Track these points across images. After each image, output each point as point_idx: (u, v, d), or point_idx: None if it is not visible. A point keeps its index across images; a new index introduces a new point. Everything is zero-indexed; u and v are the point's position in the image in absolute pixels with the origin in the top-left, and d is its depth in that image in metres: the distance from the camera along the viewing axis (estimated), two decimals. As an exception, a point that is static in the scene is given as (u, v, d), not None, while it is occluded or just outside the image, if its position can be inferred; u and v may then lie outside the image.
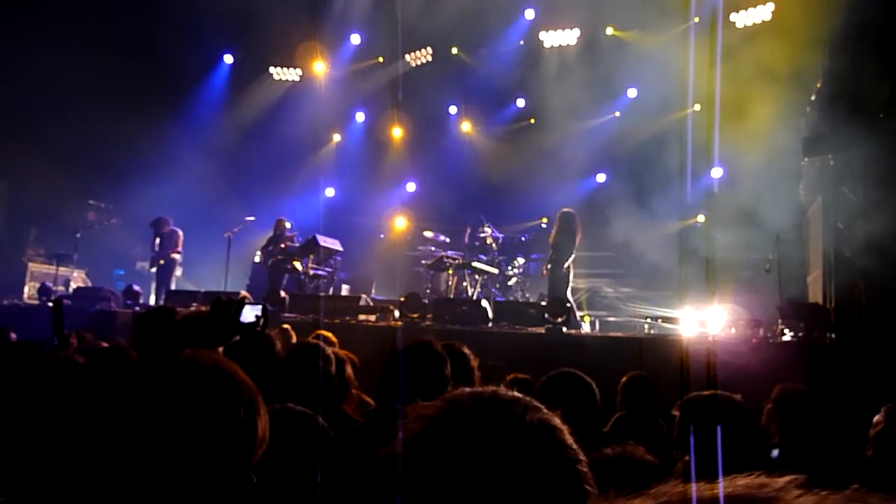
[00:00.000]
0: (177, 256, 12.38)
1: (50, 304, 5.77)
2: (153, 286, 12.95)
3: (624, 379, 4.26)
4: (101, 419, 1.16)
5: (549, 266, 10.29)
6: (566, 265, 10.14)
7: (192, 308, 8.11)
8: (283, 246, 11.86)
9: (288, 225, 12.39)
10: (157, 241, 12.40)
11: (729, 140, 11.95)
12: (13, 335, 6.12)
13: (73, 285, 12.75)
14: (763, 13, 12.81)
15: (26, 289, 12.92)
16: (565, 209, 10.49)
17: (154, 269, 12.55)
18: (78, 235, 13.13)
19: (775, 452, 3.03)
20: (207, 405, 1.16)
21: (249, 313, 2.43)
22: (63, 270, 13.09)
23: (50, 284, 12.28)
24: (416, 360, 2.82)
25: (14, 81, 12.45)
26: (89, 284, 12.91)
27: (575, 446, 0.89)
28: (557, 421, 0.90)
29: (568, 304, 9.19)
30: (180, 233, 12.39)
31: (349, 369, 4.00)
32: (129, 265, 14.80)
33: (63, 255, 13.16)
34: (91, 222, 13.89)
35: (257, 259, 12.03)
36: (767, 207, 10.31)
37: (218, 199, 14.20)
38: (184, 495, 1.10)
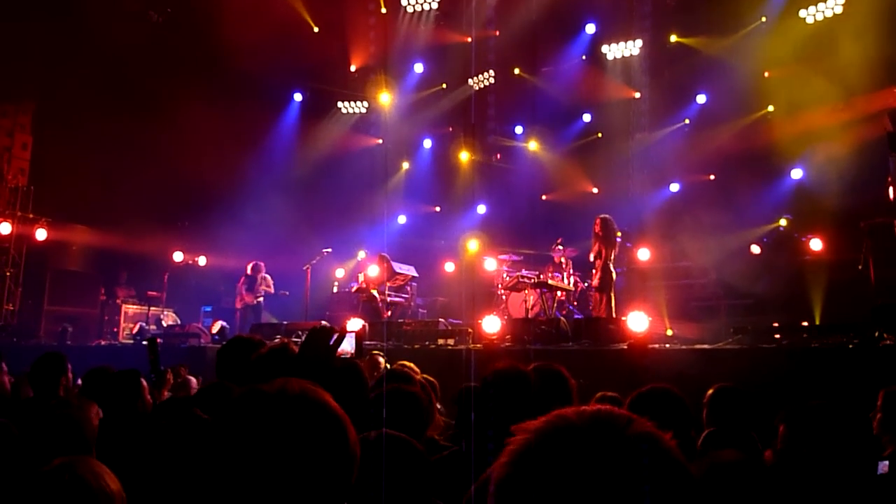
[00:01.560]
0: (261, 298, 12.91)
1: (145, 342, 6.04)
2: (238, 322, 13.38)
3: (710, 391, 4.03)
4: (200, 457, 1.19)
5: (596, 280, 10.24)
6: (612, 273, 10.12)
7: (277, 340, 8.33)
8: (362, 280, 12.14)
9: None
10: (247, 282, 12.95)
11: (808, 139, 11.54)
12: (113, 374, 6.41)
13: (164, 324, 13.27)
14: (834, 6, 12.35)
15: (121, 330, 13.53)
16: (603, 216, 10.44)
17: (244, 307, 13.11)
18: (166, 276, 13.69)
19: (884, 465, 2.88)
20: (306, 435, 1.19)
21: (344, 344, 2.46)
22: (154, 310, 13.65)
23: (144, 324, 12.84)
24: (502, 385, 2.81)
25: (100, 134, 13.15)
26: (179, 322, 13.41)
27: (682, 458, 0.89)
28: (662, 435, 0.91)
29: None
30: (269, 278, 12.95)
31: (433, 395, 4.03)
32: (215, 302, 15.31)
33: (153, 296, 13.73)
34: (177, 263, 14.46)
35: (335, 289, 12.29)
36: (854, 206, 9.87)
37: (295, 233, 14.58)
38: None
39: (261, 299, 12.68)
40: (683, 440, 2.91)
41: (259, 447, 1.14)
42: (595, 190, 15.17)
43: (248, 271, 13.12)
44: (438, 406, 4.25)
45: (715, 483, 1.13)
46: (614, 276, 10.07)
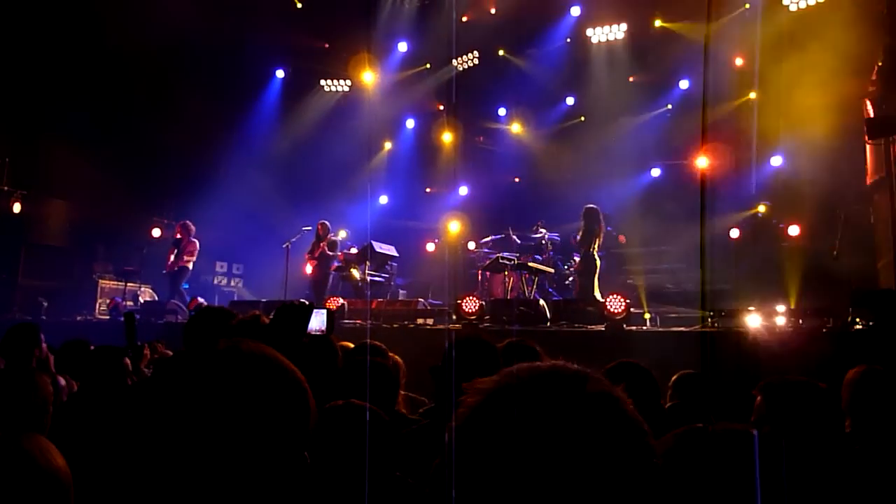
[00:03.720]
0: (189, 264, 12.48)
1: (122, 318, 5.97)
2: (217, 297, 13.26)
3: (675, 377, 4.16)
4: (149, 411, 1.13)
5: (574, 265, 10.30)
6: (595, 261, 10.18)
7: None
8: (328, 251, 11.95)
9: (331, 226, 12.40)
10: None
11: (788, 126, 11.59)
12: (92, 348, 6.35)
13: (140, 300, 13.13)
14: (818, -5, 12.37)
15: (97, 305, 13.37)
16: (589, 206, 10.48)
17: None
18: (144, 252, 13.52)
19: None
20: (258, 385, 1.15)
21: (315, 320, 2.44)
22: (131, 286, 13.50)
23: (120, 299, 12.69)
24: (468, 354, 2.80)
25: (82, 102, 12.93)
26: (156, 298, 13.29)
27: (639, 416, 0.88)
28: (620, 392, 0.90)
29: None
30: (197, 243, 12.56)
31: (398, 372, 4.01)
32: (194, 279, 15.17)
33: (130, 271, 13.57)
34: (155, 238, 14.29)
35: (308, 270, 12.15)
36: (832, 193, 9.94)
37: (275, 211, 14.47)
38: (239, 475, 1.09)
39: (186, 265, 12.41)
40: (650, 411, 2.92)
41: (203, 401, 1.11)
42: (572, 175, 15.17)
43: (177, 233, 12.60)
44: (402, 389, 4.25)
45: (686, 449, 1.10)
46: (598, 263, 10.07)
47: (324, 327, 2.54)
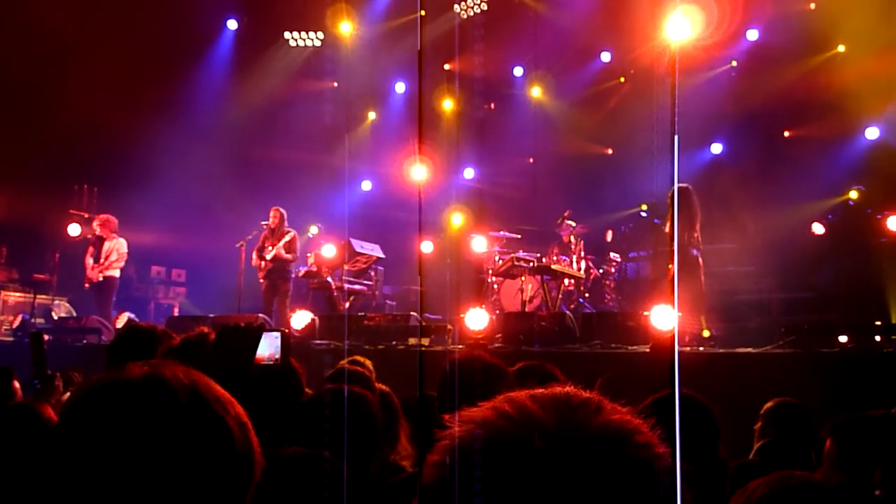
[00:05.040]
0: (115, 272, 12.39)
1: (28, 339, 5.94)
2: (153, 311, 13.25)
3: (769, 405, 4.34)
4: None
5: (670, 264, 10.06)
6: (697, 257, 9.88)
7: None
8: (284, 252, 11.86)
9: (277, 214, 12.24)
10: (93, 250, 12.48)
11: (891, 89, 11.56)
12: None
13: (54, 316, 13.12)
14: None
15: (-1, 322, 13.38)
16: (680, 185, 10.25)
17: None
18: (58, 255, 13.51)
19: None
20: (182, 426, 1.15)
21: (265, 344, 2.42)
22: (42, 299, 13.49)
23: (27, 316, 12.68)
24: (471, 382, 2.81)
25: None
26: (74, 314, 13.27)
27: (659, 452, 0.92)
28: (638, 424, 0.93)
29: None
30: (124, 242, 12.47)
31: (396, 407, 3.98)
32: (123, 289, 15.18)
33: (41, 280, 13.56)
34: (73, 238, 14.27)
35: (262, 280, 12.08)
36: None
37: (226, 201, 14.49)
38: None
39: (113, 273, 12.36)
40: (708, 461, 2.89)
41: (109, 449, 1.11)
42: (609, 151, 15.15)
43: (97, 230, 12.50)
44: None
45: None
46: (700, 262, 9.89)
47: (278, 354, 2.50)
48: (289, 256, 11.92)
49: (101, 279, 12.24)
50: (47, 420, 2.86)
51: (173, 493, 1.11)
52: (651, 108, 13.80)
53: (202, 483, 1.13)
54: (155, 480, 1.10)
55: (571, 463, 0.87)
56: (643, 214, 13.41)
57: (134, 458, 1.10)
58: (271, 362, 2.47)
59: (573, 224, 12.45)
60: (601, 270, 12.67)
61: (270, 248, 11.89)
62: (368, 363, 4.88)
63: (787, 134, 13.99)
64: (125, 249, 12.42)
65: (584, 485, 0.87)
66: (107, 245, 12.31)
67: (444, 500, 0.90)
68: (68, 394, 5.81)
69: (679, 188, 9.96)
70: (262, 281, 12.08)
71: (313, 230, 14.45)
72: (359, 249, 12.03)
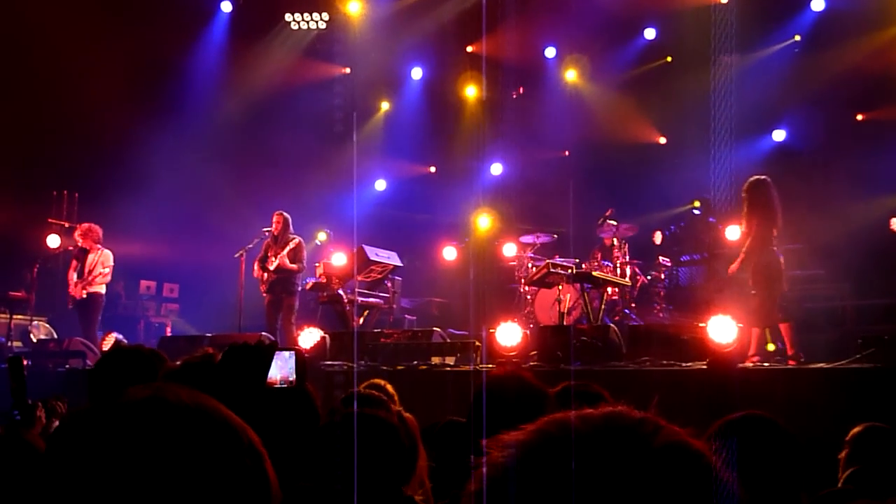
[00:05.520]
0: (101, 288, 12.40)
1: (4, 364, 5.99)
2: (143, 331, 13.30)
3: (857, 430, 4.34)
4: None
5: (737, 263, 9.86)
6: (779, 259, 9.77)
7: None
8: (289, 262, 11.83)
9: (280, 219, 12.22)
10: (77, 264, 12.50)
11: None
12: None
13: (33, 338, 13.20)
14: None
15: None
16: (756, 177, 10.14)
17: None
18: (35, 270, 13.62)
19: None
20: (192, 454, 1.13)
21: (277, 365, 2.44)
22: (19, 319, 13.58)
23: (3, 339, 12.77)
24: (506, 406, 2.80)
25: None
26: (55, 336, 13.35)
27: (726, 478, 0.93)
28: (701, 447, 0.94)
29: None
30: (109, 254, 12.50)
31: (415, 435, 3.97)
32: (110, 307, 15.28)
33: (17, 298, 13.65)
34: (53, 250, 14.37)
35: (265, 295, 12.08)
36: None
37: (224, 207, 14.54)
38: None
39: (99, 289, 12.38)
40: (790, 491, 2.86)
41: (107, 484, 1.10)
42: (662, 140, 15.08)
43: (79, 241, 12.47)
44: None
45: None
46: (780, 260, 9.79)
47: (292, 376, 2.53)
48: (294, 267, 11.91)
49: (84, 296, 12.28)
50: (36, 448, 2.88)
51: None
52: (703, 90, 13.74)
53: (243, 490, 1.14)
54: None
55: (630, 492, 0.87)
56: (696, 212, 13.33)
57: (131, 494, 1.09)
58: (285, 385, 2.48)
59: (616, 224, 12.38)
60: (649, 277, 12.60)
61: (273, 257, 11.90)
62: (389, 387, 4.88)
63: (859, 117, 13.85)
64: (111, 262, 12.45)
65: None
66: (90, 258, 12.34)
67: None
68: (55, 424, 5.86)
69: (755, 181, 9.90)
70: (264, 295, 12.09)
71: (321, 237, 14.52)
72: (373, 258, 11.99)
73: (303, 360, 2.51)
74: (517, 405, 2.93)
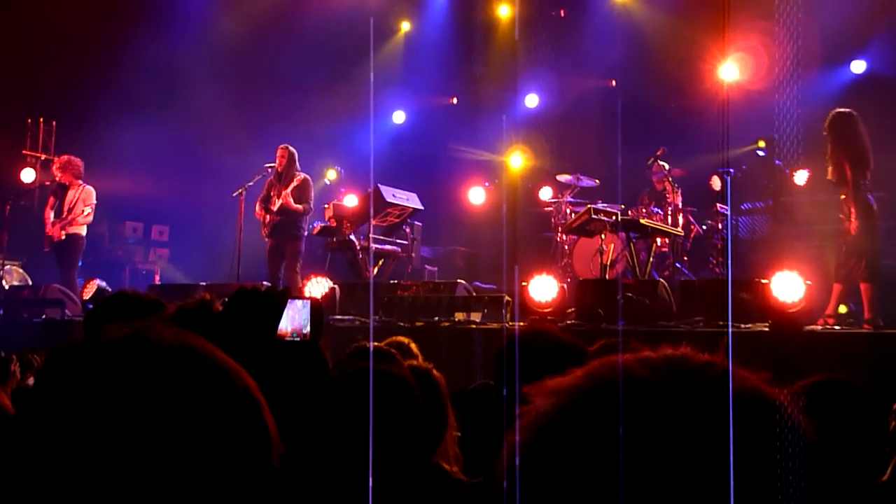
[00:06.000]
0: (82, 229, 12.39)
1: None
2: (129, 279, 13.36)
3: None
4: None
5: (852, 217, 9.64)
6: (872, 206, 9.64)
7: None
8: (293, 201, 11.77)
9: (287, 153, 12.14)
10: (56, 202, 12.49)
11: None
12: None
13: (4, 284, 13.29)
14: None
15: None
16: (837, 111, 9.99)
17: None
18: (8, 208, 13.68)
19: None
20: (179, 400, 1.14)
21: (288, 316, 2.44)
22: (-11, 263, 13.69)
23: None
24: (537, 365, 2.76)
25: None
26: (29, 282, 13.44)
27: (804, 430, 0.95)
28: (776, 395, 0.98)
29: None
30: (92, 191, 12.52)
31: (443, 395, 3.97)
32: (91, 251, 15.37)
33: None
34: (27, 186, 14.43)
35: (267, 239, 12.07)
36: None
37: (222, 139, 14.53)
38: None
39: (79, 230, 12.37)
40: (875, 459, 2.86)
41: (87, 433, 1.12)
42: (723, 69, 14.89)
43: (57, 176, 12.54)
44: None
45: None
46: (874, 208, 9.68)
47: (306, 329, 2.52)
48: (299, 207, 11.88)
49: (63, 238, 12.32)
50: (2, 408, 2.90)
51: (166, 482, 1.10)
52: (771, 11, 13.56)
53: (201, 469, 1.13)
54: (142, 467, 1.09)
55: (696, 443, 0.89)
56: (760, 153, 13.18)
57: (112, 444, 1.10)
58: (297, 338, 2.47)
59: (668, 166, 12.29)
60: (704, 227, 12.52)
61: (276, 197, 11.89)
62: (413, 346, 4.89)
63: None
64: (93, 199, 12.48)
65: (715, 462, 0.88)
66: (70, 194, 12.37)
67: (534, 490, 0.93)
68: (30, 380, 5.91)
69: (838, 115, 9.77)
70: (266, 240, 12.11)
71: (331, 175, 14.52)
72: (390, 199, 11.97)
73: (319, 311, 2.50)
74: (549, 365, 2.89)
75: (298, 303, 2.47)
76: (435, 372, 3.96)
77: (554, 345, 3.07)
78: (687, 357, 0.99)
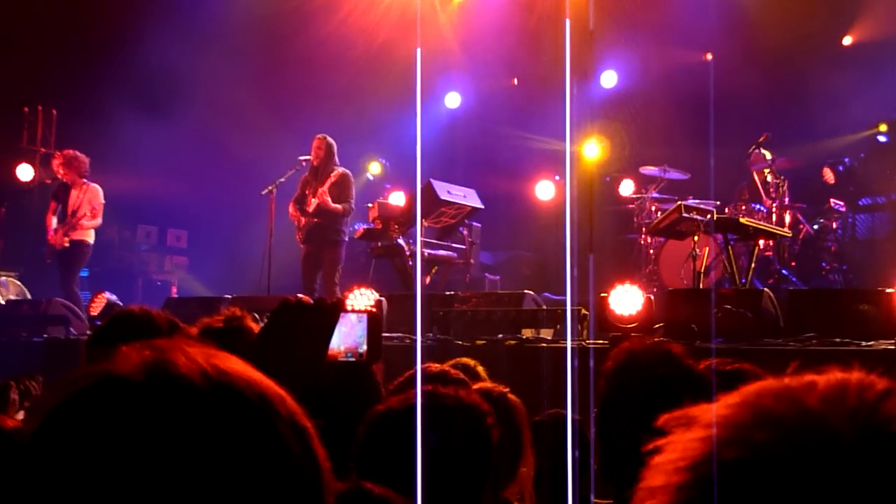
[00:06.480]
0: (89, 234, 12.55)
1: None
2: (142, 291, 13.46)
3: None
4: None
5: None
6: None
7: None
8: (330, 200, 11.78)
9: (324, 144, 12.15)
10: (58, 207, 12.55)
11: None
12: None
13: (1, 300, 13.45)
14: None
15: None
16: None
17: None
18: (3, 210, 13.88)
19: None
20: (223, 449, 1.12)
21: (340, 332, 2.42)
22: (-18, 275, 13.87)
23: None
24: (647, 392, 2.88)
25: None
26: (28, 296, 13.59)
27: None
28: None
29: None
30: (98, 190, 12.58)
31: (521, 421, 4.02)
32: (99, 260, 15.55)
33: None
34: (25, 184, 14.61)
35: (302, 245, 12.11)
36: None
37: (248, 131, 14.64)
38: None
39: (85, 237, 12.43)
40: None
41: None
42: (845, 41, 14.75)
43: (59, 174, 12.63)
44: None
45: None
46: None
47: (362, 347, 2.52)
48: (339, 208, 11.92)
49: (67, 245, 12.42)
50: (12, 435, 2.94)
51: None
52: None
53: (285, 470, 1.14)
54: None
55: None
56: (882, 139, 13.06)
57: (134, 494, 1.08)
58: (352, 359, 2.46)
59: (771, 156, 12.19)
60: (816, 226, 12.41)
61: (312, 196, 11.93)
62: (480, 369, 4.92)
63: None
64: (101, 199, 12.55)
65: None
66: (74, 195, 12.44)
67: None
68: (23, 410, 5.99)
69: None
70: (300, 245, 12.17)
71: (375, 169, 14.54)
72: (444, 197, 11.90)
73: (378, 327, 2.48)
74: (663, 391, 2.96)
75: (353, 317, 2.45)
76: (511, 396, 4.01)
77: (671, 367, 3.11)
78: (857, 382, 0.96)
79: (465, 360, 5.04)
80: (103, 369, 1.16)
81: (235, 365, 1.20)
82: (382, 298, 10.26)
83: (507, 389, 4.07)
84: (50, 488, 1.09)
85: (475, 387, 3.97)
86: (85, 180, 12.53)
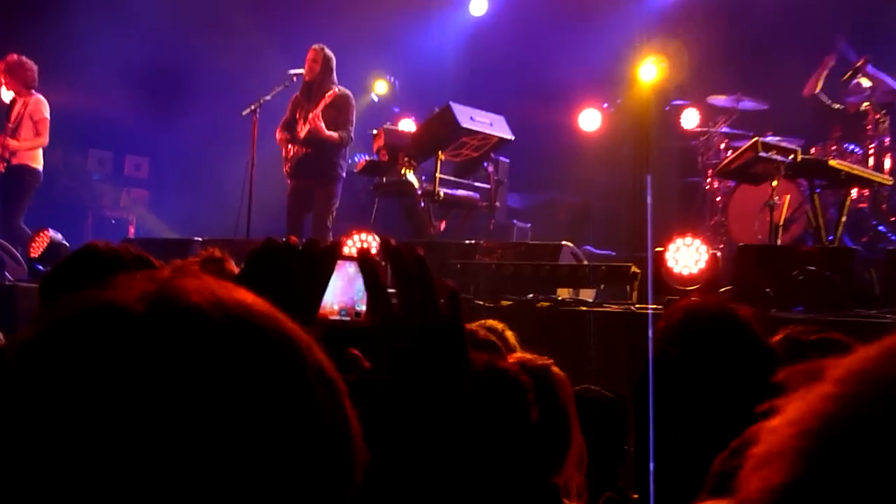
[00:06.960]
0: (34, 157, 12.50)
1: None
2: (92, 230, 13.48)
3: None
4: None
5: None
6: None
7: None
8: (323, 127, 11.73)
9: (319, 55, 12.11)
10: None
11: None
12: None
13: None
14: None
15: None
16: None
17: None
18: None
19: None
20: (230, 394, 1.12)
21: (336, 286, 2.32)
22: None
23: None
24: (712, 357, 2.98)
25: None
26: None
27: None
28: None
29: None
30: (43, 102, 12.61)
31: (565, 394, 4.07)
32: (44, 191, 15.60)
33: None
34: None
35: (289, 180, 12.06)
36: None
37: (225, 39, 14.63)
38: None
39: (30, 162, 12.44)
40: None
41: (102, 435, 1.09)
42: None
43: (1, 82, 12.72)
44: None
45: None
46: None
47: (360, 305, 2.42)
48: (334, 135, 11.94)
49: (4, 171, 12.41)
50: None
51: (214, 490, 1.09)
52: None
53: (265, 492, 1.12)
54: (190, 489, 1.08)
55: None
56: None
57: (146, 441, 1.07)
58: (347, 318, 2.34)
59: (871, 85, 12.04)
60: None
61: (304, 120, 11.87)
62: (509, 334, 4.84)
63: None
64: (46, 113, 12.56)
65: None
66: (16, 109, 12.47)
67: None
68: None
69: None
70: (287, 180, 12.13)
71: (381, 88, 14.47)
72: (466, 124, 11.80)
73: (376, 280, 2.33)
74: (724, 363, 3.03)
75: (350, 267, 2.33)
76: (555, 369, 4.01)
77: (741, 335, 3.12)
78: None
79: (491, 321, 5.02)
80: (94, 296, 1.16)
81: (255, 299, 1.22)
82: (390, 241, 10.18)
83: (551, 361, 4.04)
84: (18, 442, 1.08)
85: (511, 359, 3.97)
86: (31, 91, 12.53)
